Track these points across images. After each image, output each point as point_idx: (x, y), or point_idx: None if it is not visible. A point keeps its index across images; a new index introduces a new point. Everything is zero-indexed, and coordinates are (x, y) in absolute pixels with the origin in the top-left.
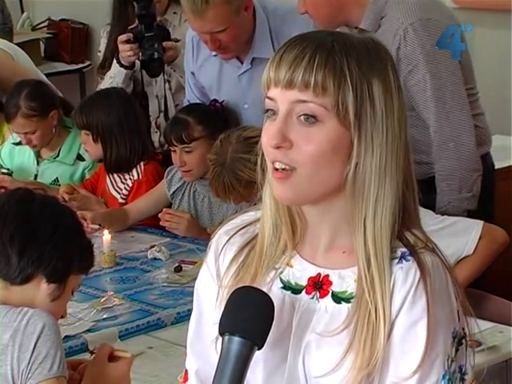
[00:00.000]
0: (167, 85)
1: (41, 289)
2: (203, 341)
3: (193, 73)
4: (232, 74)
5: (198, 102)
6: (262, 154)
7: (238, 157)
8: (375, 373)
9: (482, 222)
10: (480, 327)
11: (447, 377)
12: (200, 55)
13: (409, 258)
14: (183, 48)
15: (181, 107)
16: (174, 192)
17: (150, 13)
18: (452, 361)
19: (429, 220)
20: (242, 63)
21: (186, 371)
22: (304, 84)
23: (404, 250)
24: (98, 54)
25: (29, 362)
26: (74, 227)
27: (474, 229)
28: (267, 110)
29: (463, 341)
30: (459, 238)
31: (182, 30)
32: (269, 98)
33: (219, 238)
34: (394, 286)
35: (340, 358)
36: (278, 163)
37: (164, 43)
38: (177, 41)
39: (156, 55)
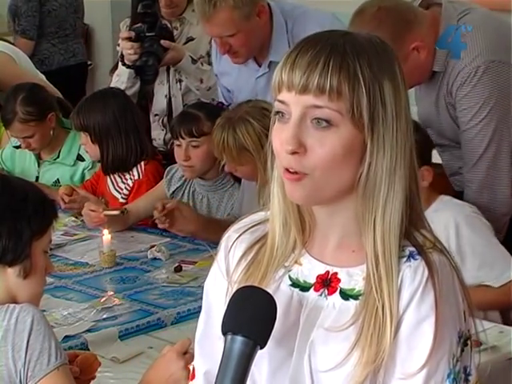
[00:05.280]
0: (178, 85)
1: (7, 274)
2: (211, 340)
3: (216, 75)
4: (250, 77)
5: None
6: (272, 153)
7: (245, 118)
8: (381, 369)
9: None
10: (481, 327)
11: (452, 376)
12: (222, 57)
13: (417, 256)
14: (200, 44)
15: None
16: (173, 192)
17: (152, 12)
18: (457, 360)
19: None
20: (260, 66)
21: (193, 369)
22: (319, 89)
23: (412, 249)
24: (117, 48)
25: (25, 361)
26: (12, 199)
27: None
28: (277, 113)
29: (468, 342)
30: (496, 266)
31: (198, 28)
32: (280, 101)
33: (229, 236)
34: (401, 283)
35: (346, 354)
36: (292, 168)
37: (162, 41)
38: (192, 39)
39: (150, 61)
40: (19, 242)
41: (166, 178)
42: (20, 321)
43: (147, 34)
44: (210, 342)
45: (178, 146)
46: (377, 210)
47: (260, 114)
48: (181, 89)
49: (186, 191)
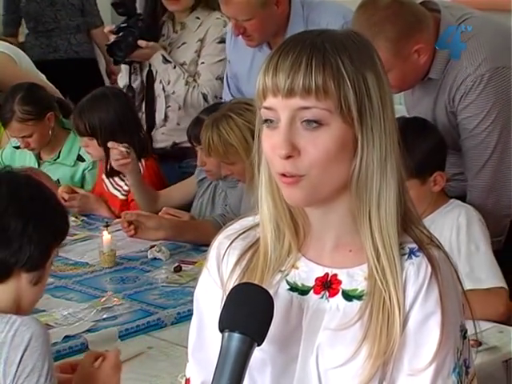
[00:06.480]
0: (161, 85)
1: (21, 279)
2: (206, 349)
3: (229, 61)
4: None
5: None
6: (258, 158)
7: (227, 114)
8: (390, 364)
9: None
10: (480, 327)
11: (457, 369)
12: (238, 41)
13: (418, 253)
14: (187, 50)
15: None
16: (201, 179)
17: (121, 2)
18: (460, 354)
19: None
20: None
21: (188, 379)
22: (305, 90)
23: (412, 245)
24: None
25: (14, 377)
26: (44, 210)
27: (494, 280)
28: (265, 121)
29: (466, 335)
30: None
31: (195, 35)
32: (267, 107)
33: (220, 243)
34: (406, 280)
35: (356, 348)
36: (288, 173)
37: (139, 42)
38: (185, 43)
39: (121, 40)
40: (44, 250)
41: (199, 168)
42: (18, 335)
43: (121, 25)
44: (204, 350)
45: (196, 150)
46: (371, 201)
47: (241, 109)
48: (164, 90)
49: (212, 184)
